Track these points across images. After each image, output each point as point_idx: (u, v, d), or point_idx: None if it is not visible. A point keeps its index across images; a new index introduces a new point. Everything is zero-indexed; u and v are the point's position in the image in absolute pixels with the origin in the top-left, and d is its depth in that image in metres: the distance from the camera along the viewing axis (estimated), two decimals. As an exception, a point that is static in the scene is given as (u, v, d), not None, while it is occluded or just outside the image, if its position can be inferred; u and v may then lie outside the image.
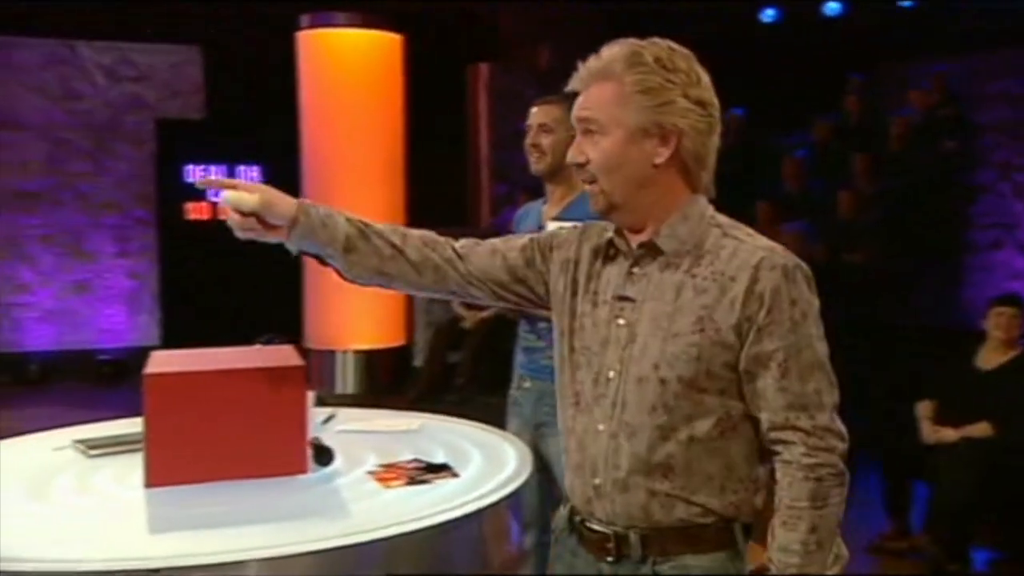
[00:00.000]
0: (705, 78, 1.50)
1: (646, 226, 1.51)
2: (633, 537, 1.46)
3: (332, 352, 7.29)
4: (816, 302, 1.46)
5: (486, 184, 8.96)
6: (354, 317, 7.33)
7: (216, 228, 9.61)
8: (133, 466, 1.94)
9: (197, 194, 8.96)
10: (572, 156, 1.52)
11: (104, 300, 8.88)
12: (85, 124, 8.75)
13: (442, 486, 1.90)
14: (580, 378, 1.53)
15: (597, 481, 1.49)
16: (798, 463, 1.42)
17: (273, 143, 8.08)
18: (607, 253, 1.56)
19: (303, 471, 1.96)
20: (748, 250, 1.46)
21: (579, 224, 1.67)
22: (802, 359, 1.42)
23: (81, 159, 8.75)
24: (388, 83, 7.69)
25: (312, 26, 7.79)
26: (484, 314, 6.56)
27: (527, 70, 8.65)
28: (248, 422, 1.93)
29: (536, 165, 2.73)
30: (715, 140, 1.51)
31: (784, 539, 1.42)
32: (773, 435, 1.45)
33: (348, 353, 7.30)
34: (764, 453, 1.49)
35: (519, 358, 2.79)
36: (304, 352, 2.24)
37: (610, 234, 1.55)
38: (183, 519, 1.75)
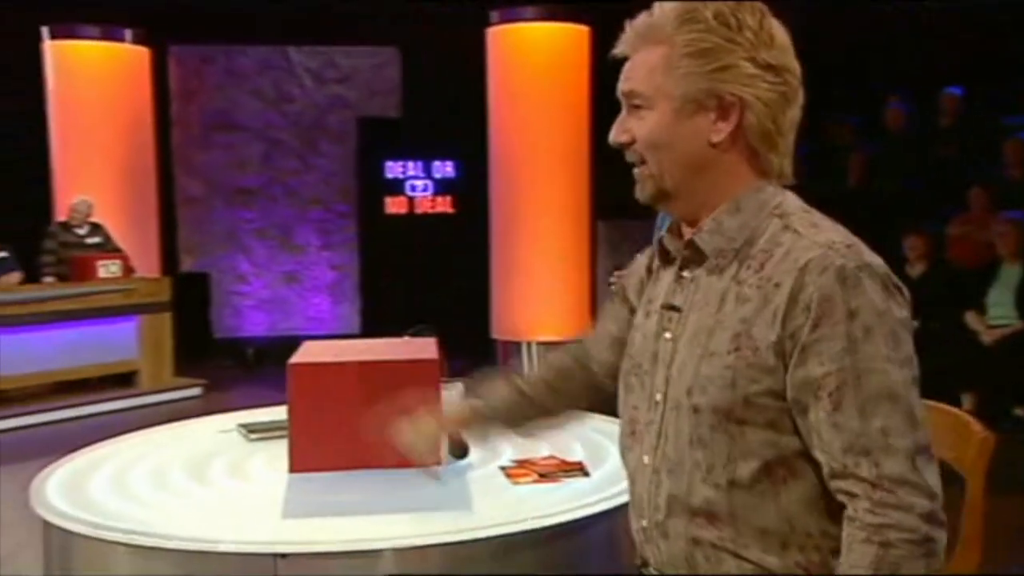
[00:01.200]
0: (781, 37, 1.23)
1: (700, 218, 1.27)
2: None
3: (518, 343, 7.40)
4: (897, 313, 1.14)
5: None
6: (539, 309, 7.41)
7: (412, 221, 10.06)
8: (286, 452, 2.02)
9: (395, 188, 9.37)
10: (614, 135, 1.28)
11: (310, 290, 9.47)
12: (294, 124, 9.36)
13: (570, 484, 1.85)
14: (632, 401, 1.32)
15: (644, 523, 1.29)
16: (860, 521, 1.11)
17: (467, 139, 8.27)
18: (662, 254, 1.35)
19: (437, 463, 1.97)
20: (803, 247, 1.17)
21: None
22: (863, 388, 1.11)
23: (291, 157, 9.37)
24: (575, 76, 7.68)
25: (501, 22, 7.92)
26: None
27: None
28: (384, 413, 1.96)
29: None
30: (793, 114, 1.24)
31: None
32: (834, 484, 1.15)
33: (533, 344, 7.38)
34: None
35: None
36: (441, 344, 2.24)
37: (660, 236, 1.34)
38: (317, 505, 1.79)
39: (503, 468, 1.96)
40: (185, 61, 9.20)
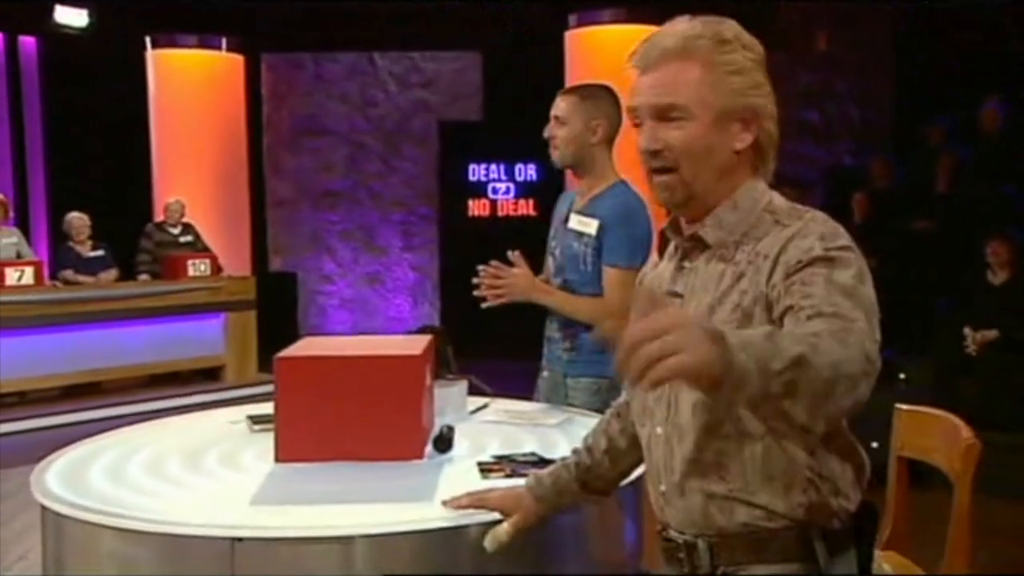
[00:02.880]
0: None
1: (702, 215, 1.39)
2: (702, 544, 1.36)
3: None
4: (870, 295, 1.21)
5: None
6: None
7: (495, 223, 10.09)
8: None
9: (479, 191, 9.46)
10: (648, 143, 1.36)
11: (392, 290, 9.65)
12: (378, 128, 9.55)
13: None
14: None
15: (663, 488, 1.41)
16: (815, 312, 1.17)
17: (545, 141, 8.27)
18: (662, 248, 1.49)
19: (419, 457, 1.97)
20: (793, 230, 1.30)
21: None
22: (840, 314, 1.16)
23: (374, 160, 9.56)
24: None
25: (579, 25, 7.91)
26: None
27: (801, 56, 8.14)
28: (368, 407, 1.98)
29: (554, 158, 2.58)
30: None
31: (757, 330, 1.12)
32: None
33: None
34: (844, 449, 1.33)
35: (544, 348, 2.73)
36: (445, 344, 2.26)
37: (659, 230, 1.48)
38: (291, 493, 1.82)
39: (481, 463, 1.95)
40: (276, 68, 9.52)
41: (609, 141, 2.55)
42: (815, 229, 1.29)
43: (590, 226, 2.52)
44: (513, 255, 2.52)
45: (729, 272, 1.34)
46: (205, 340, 7.55)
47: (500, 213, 9.45)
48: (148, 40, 8.56)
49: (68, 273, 7.22)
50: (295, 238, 9.57)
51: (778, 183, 1.46)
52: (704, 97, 1.34)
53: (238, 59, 8.89)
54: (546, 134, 2.56)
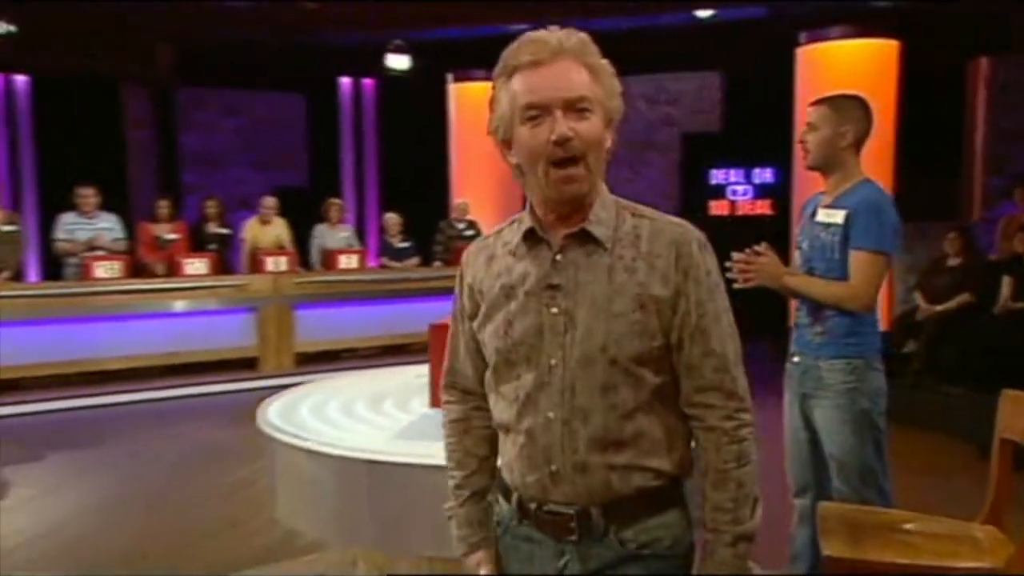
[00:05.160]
0: None
1: (585, 212, 1.33)
2: (595, 512, 1.32)
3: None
4: (720, 275, 1.38)
5: (979, 178, 7.74)
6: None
7: (733, 222, 10.03)
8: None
9: (718, 193, 9.52)
10: (562, 131, 1.25)
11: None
12: (627, 140, 9.81)
13: None
14: (516, 373, 1.35)
15: (554, 468, 1.32)
16: (722, 428, 1.32)
17: (783, 149, 8.14)
18: (515, 250, 1.37)
19: None
20: (664, 226, 1.34)
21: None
22: (721, 324, 1.33)
23: (623, 168, 9.88)
24: (882, 89, 7.21)
25: (809, 42, 7.65)
26: (939, 307, 5.87)
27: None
28: None
29: (806, 161, 2.61)
30: None
31: (716, 499, 1.33)
32: (697, 398, 1.34)
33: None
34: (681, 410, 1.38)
35: (792, 334, 2.67)
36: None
37: (527, 225, 1.35)
38: (433, 431, 2.21)
39: None
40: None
41: (857, 145, 2.55)
42: (692, 235, 1.33)
43: (837, 216, 2.48)
44: (761, 245, 2.54)
45: (620, 266, 1.31)
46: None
47: (738, 212, 9.45)
48: (450, 76, 9.52)
49: (383, 259, 8.35)
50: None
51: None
52: (597, 94, 1.29)
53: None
54: (799, 139, 2.59)
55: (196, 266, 7.23)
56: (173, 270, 7.26)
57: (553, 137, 1.25)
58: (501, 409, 1.39)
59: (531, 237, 1.35)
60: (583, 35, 1.30)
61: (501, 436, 1.42)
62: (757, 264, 2.52)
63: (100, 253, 6.93)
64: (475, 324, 1.40)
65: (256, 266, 7.60)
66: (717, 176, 9.65)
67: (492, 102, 1.34)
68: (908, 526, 2.22)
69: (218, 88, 9.96)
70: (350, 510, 2.07)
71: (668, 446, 1.34)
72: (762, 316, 5.99)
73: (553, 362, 1.32)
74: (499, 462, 1.45)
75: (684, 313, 1.31)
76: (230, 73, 9.56)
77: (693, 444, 1.38)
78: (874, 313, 2.53)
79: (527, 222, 1.35)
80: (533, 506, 1.36)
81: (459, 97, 9.61)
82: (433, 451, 1.96)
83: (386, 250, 8.46)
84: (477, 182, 9.45)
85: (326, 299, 7.52)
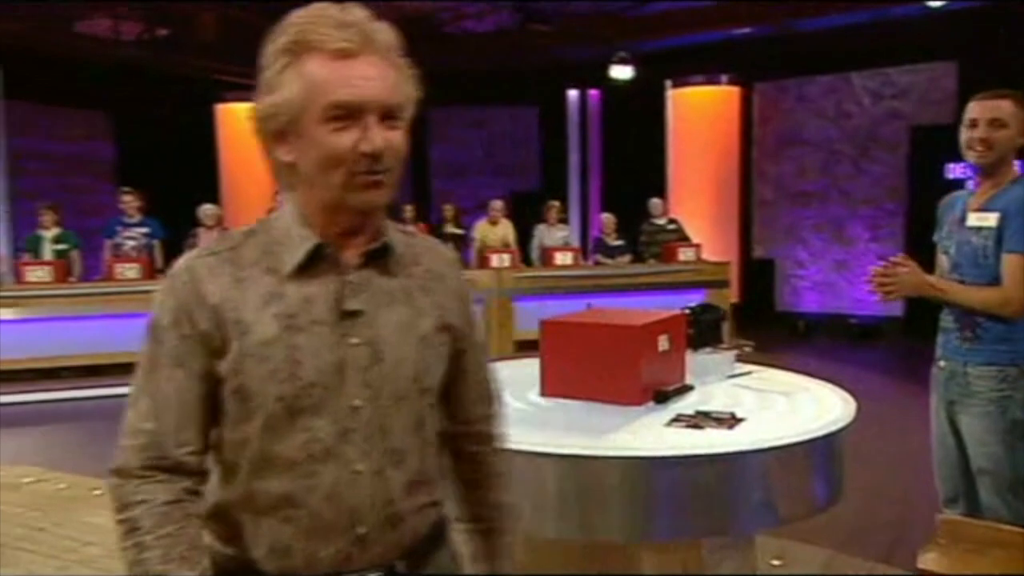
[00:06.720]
0: None
1: (375, 226, 1.07)
2: (400, 565, 1.07)
3: None
4: None
5: None
6: None
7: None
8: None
9: (956, 188, 8.31)
10: (379, 144, 0.98)
11: (858, 276, 8.96)
12: (850, 137, 8.94)
13: (708, 433, 1.87)
14: (306, 424, 1.01)
15: (361, 530, 1.03)
16: (491, 460, 1.22)
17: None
18: (289, 270, 1.02)
19: (636, 404, 2.06)
20: (430, 244, 1.15)
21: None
22: (484, 350, 1.21)
23: (846, 164, 9.00)
24: None
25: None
26: None
27: None
28: (601, 362, 2.12)
29: (980, 159, 2.26)
30: None
31: (499, 500, 1.22)
32: (466, 428, 1.19)
33: None
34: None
35: (938, 338, 2.40)
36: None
37: (312, 241, 1.02)
38: (540, 419, 2.04)
39: (679, 415, 2.00)
40: (765, 93, 9.54)
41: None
42: (446, 248, 1.18)
43: (990, 219, 2.23)
44: (899, 256, 2.35)
45: (415, 286, 1.08)
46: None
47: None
48: (669, 83, 9.27)
49: (597, 256, 8.35)
50: (774, 231, 9.58)
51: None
52: (403, 101, 1.02)
53: (734, 90, 9.21)
54: (979, 135, 2.24)
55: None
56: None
57: (368, 149, 0.97)
58: (278, 474, 1.01)
59: (316, 255, 1.03)
60: (388, 25, 1.01)
61: (249, 521, 1.03)
62: (898, 276, 2.30)
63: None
64: (222, 366, 1.00)
65: (483, 262, 7.95)
66: (955, 171, 8.37)
67: (269, 81, 0.99)
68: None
69: (464, 105, 10.53)
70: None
71: (441, 474, 1.17)
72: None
73: (357, 403, 1.03)
74: (237, 554, 1.05)
75: (466, 338, 1.15)
76: (475, 90, 10.06)
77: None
78: None
79: (308, 236, 1.03)
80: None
81: (677, 102, 9.37)
82: (539, 437, 1.86)
83: (600, 248, 8.45)
84: (692, 183, 9.14)
85: (542, 292, 7.66)
